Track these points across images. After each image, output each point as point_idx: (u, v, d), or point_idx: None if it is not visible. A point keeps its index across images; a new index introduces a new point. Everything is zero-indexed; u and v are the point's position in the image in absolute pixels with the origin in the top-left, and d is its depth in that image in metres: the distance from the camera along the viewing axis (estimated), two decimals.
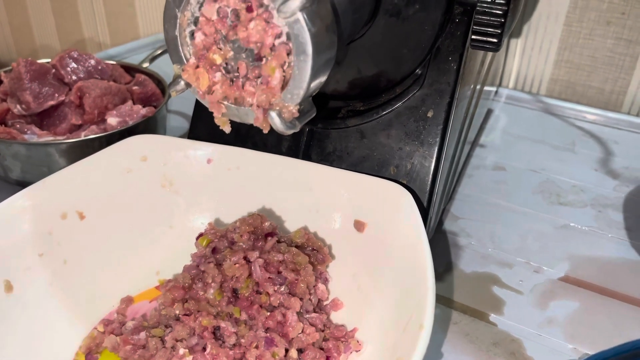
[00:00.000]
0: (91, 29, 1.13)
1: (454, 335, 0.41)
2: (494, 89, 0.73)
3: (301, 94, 0.31)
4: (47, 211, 0.40)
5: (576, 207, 0.55)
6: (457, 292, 0.45)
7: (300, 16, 0.29)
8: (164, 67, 0.66)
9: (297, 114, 0.32)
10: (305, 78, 0.30)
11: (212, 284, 0.38)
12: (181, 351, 0.35)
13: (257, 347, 0.35)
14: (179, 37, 0.33)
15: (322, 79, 0.33)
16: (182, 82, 0.33)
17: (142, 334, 0.37)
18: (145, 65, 0.65)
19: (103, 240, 0.42)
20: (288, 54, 0.31)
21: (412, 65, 0.42)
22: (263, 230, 0.41)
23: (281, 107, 0.31)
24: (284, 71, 0.31)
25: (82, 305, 0.40)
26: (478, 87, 0.53)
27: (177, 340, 0.36)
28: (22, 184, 0.49)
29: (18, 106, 0.53)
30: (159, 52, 0.68)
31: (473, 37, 0.39)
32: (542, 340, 0.41)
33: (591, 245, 0.50)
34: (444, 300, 0.44)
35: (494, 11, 0.38)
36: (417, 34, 0.41)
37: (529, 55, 0.77)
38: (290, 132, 0.32)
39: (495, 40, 0.38)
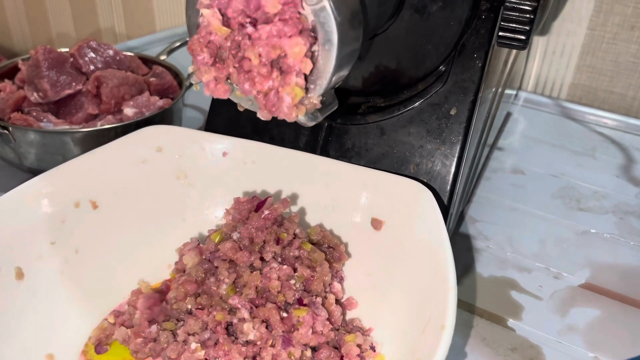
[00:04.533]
0: (108, 20, 1.13)
1: (471, 339, 0.40)
2: (514, 92, 0.72)
3: (324, 85, 0.30)
4: (60, 199, 0.40)
5: (597, 214, 0.54)
6: (475, 296, 0.44)
7: (327, 3, 0.28)
8: (182, 60, 0.65)
9: (319, 106, 0.31)
10: (329, 68, 0.30)
11: (226, 280, 0.37)
12: (193, 345, 0.34)
13: (272, 345, 0.34)
14: None
15: (346, 71, 0.32)
16: None
17: (154, 327, 0.36)
18: (163, 57, 0.65)
19: (115, 231, 0.42)
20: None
21: (436, 61, 0.41)
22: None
23: (303, 97, 0.31)
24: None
25: (93, 296, 0.39)
26: (500, 89, 0.52)
27: (189, 334, 0.35)
28: (36, 172, 0.48)
29: (35, 94, 0.53)
30: (177, 44, 0.67)
31: (500, 34, 0.38)
32: (561, 348, 0.39)
33: (612, 253, 0.49)
34: (460, 304, 0.43)
35: (523, 7, 0.37)
36: (442, 30, 0.40)
37: (550, 58, 0.76)
38: (312, 123, 0.31)
39: (523, 37, 0.37)
